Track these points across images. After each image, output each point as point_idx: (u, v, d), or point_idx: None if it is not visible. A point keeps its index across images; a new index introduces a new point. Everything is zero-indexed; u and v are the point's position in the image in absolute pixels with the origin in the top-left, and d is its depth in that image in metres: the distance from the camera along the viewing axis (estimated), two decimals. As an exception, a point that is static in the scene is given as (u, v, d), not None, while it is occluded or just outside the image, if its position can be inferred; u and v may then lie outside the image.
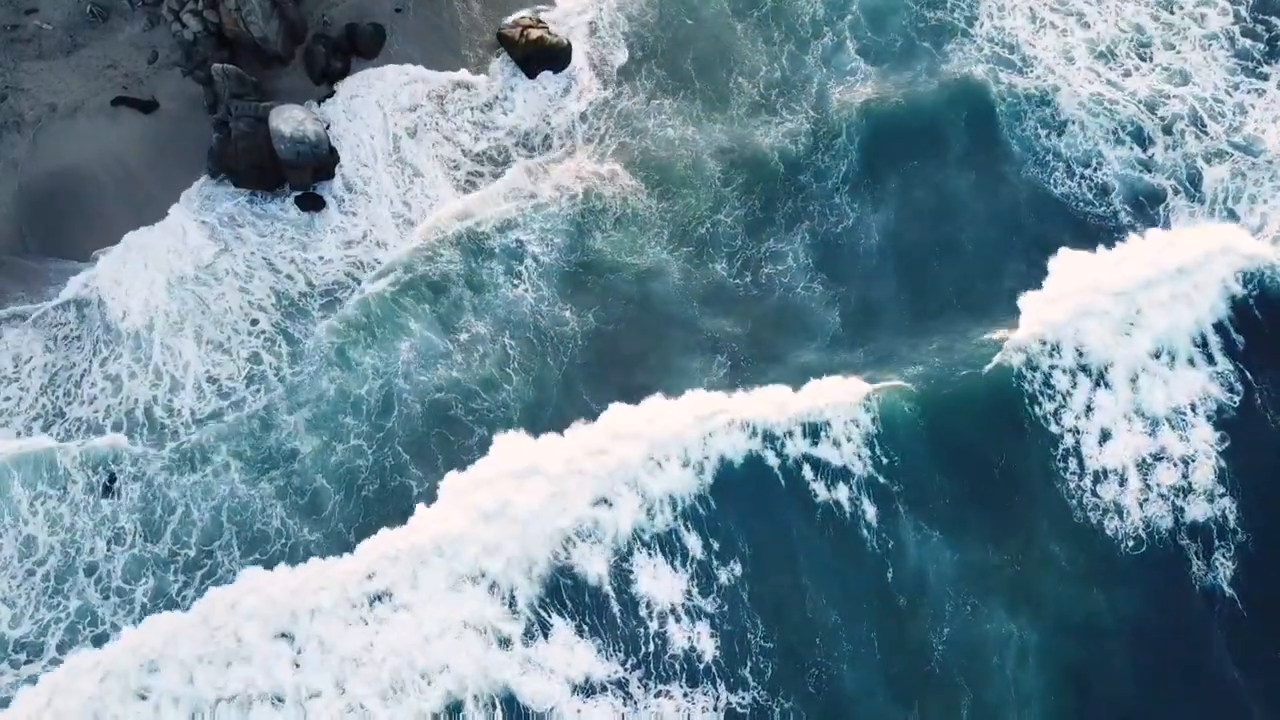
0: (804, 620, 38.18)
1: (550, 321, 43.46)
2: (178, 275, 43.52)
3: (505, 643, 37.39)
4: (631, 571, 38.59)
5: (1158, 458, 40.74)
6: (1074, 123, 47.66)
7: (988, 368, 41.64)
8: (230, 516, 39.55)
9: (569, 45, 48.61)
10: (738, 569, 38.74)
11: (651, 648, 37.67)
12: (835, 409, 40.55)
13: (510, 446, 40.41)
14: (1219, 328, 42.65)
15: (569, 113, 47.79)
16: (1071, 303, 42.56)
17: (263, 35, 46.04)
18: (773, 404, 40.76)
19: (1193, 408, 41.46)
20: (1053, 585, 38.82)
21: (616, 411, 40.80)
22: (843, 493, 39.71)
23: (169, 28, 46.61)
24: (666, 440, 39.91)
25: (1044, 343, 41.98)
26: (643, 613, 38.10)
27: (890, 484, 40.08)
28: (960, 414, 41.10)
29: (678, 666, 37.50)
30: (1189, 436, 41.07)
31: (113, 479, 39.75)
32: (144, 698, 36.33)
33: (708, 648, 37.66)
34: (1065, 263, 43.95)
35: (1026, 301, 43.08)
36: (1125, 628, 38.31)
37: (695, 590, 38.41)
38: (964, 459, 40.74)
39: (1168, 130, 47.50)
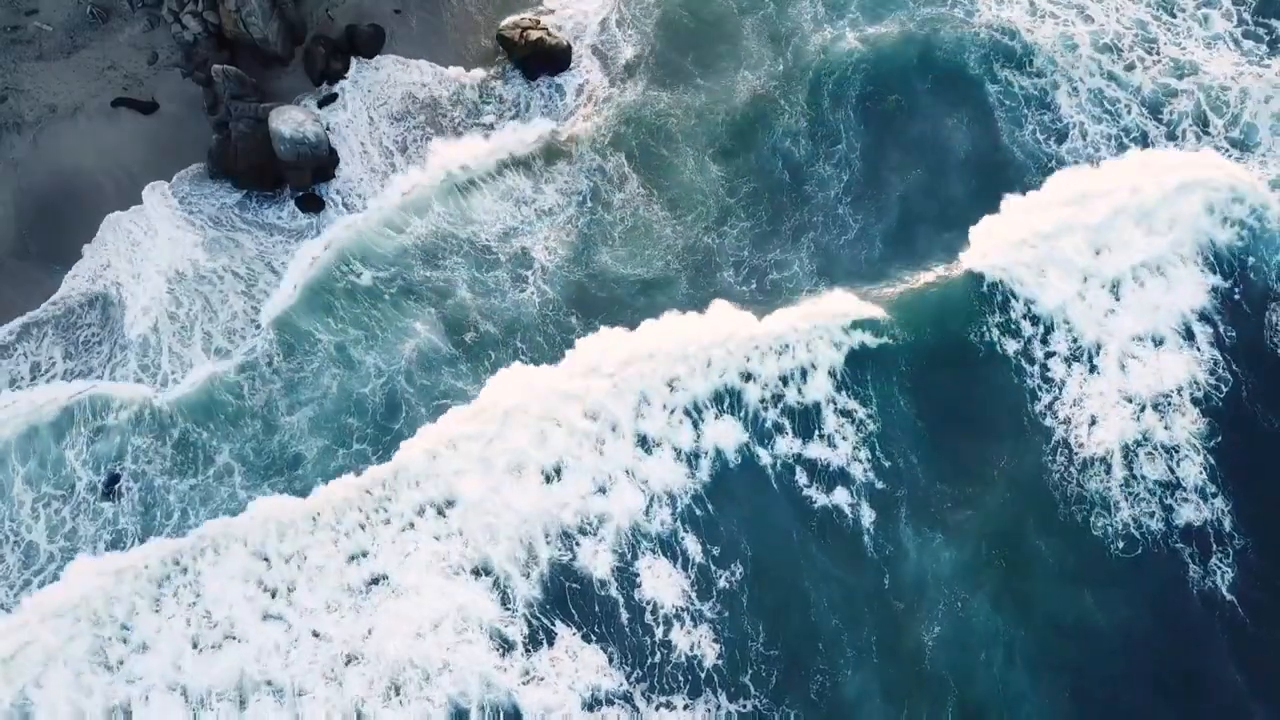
0: (803, 621, 38.48)
1: (556, 329, 43.45)
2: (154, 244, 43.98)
3: (507, 648, 37.56)
4: (629, 570, 38.86)
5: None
6: (1074, 127, 47.67)
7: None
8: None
9: (568, 46, 48.49)
10: (735, 565, 39.08)
11: (656, 656, 37.84)
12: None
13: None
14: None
15: (569, 114, 47.66)
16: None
17: (262, 36, 45.98)
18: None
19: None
20: (1042, 577, 39.20)
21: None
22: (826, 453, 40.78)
23: (169, 29, 46.56)
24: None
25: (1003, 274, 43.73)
26: (644, 615, 38.30)
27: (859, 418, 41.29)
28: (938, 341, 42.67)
29: (680, 675, 37.65)
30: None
31: (114, 480, 39.77)
32: (132, 682, 36.64)
33: (708, 651, 37.88)
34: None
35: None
36: (1118, 625, 38.49)
37: (689, 581, 38.75)
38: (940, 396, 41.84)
39: (1171, 136, 47.50)
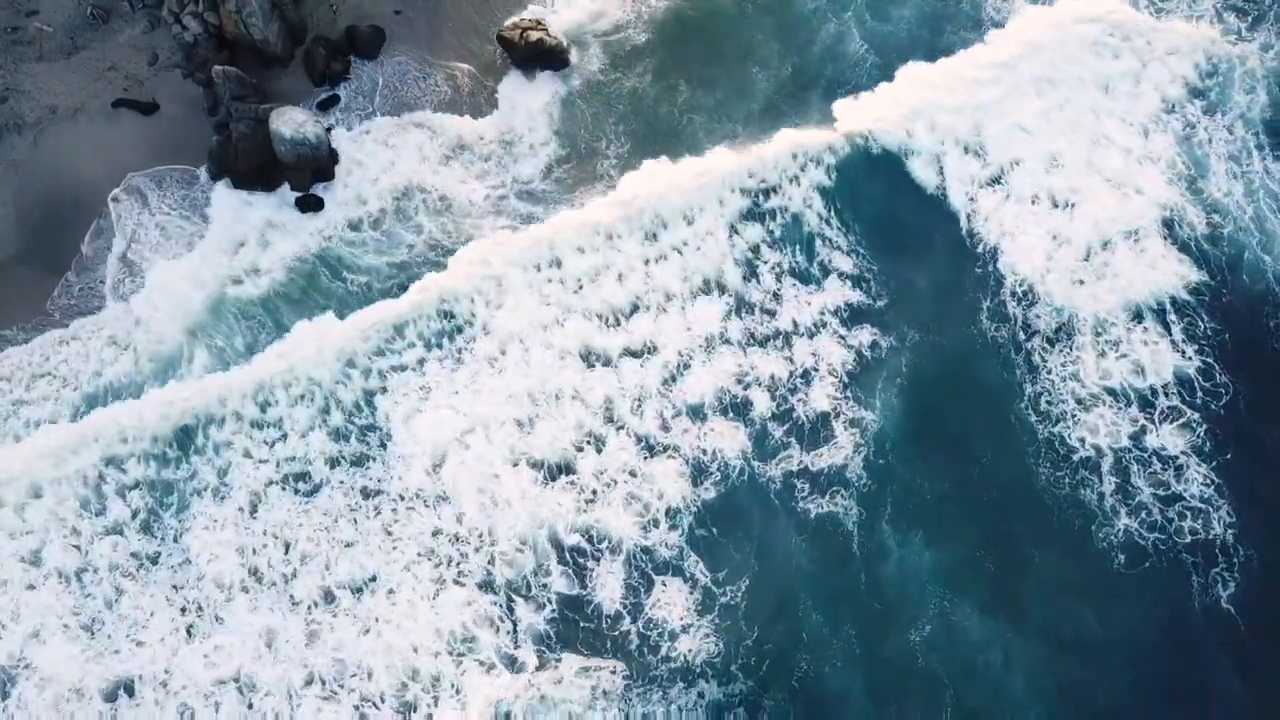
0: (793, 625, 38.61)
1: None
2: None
3: (511, 664, 37.78)
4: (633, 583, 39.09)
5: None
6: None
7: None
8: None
9: (568, 47, 48.42)
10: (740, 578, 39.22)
11: (645, 649, 38.04)
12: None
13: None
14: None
15: (571, 116, 47.52)
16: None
17: (263, 37, 46.05)
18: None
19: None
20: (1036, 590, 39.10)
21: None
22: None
23: (169, 30, 46.64)
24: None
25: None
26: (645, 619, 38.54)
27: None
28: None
29: (669, 667, 37.83)
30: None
31: None
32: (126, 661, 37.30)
33: (701, 647, 38.06)
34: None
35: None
36: (1119, 635, 38.40)
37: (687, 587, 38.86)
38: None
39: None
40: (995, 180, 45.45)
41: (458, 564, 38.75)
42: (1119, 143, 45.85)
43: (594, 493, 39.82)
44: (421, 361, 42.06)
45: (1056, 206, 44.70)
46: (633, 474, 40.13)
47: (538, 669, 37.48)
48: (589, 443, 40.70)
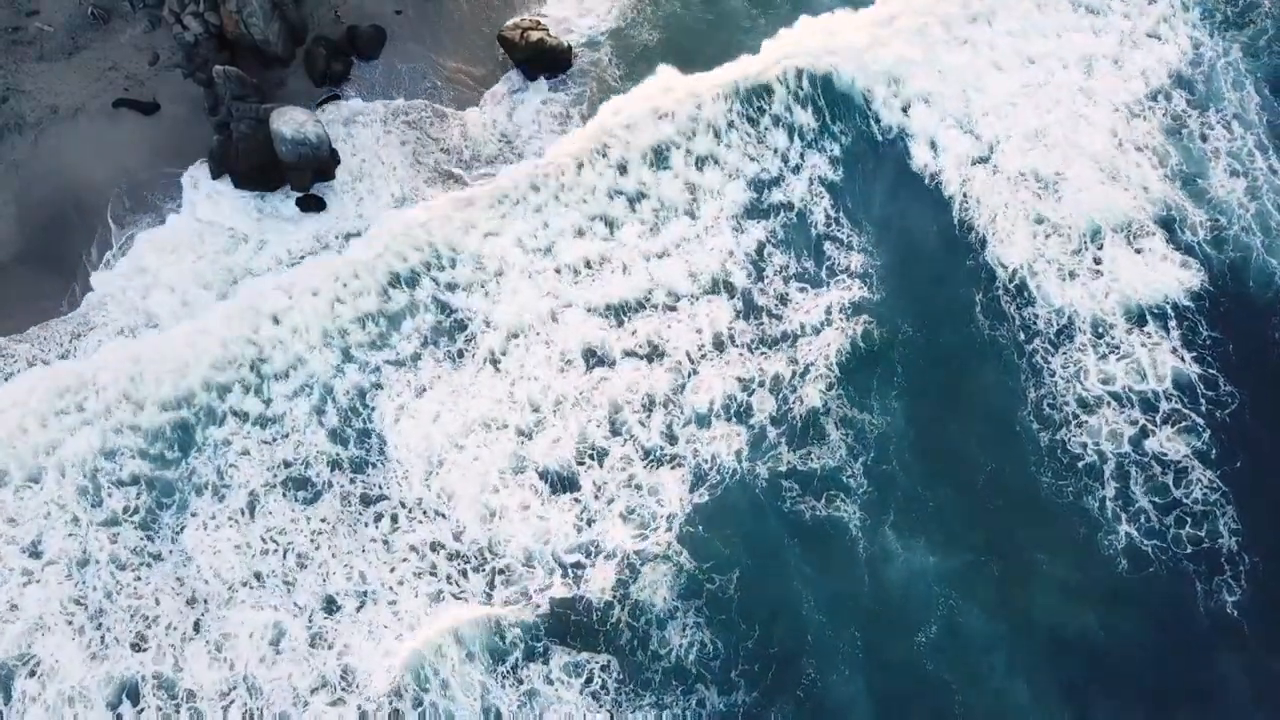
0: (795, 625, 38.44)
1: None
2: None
3: (500, 658, 37.72)
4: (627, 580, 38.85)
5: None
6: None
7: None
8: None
9: (569, 47, 48.33)
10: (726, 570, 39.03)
11: (639, 648, 37.89)
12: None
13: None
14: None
15: (573, 120, 47.30)
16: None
17: (264, 37, 46.04)
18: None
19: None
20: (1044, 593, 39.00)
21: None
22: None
23: (170, 30, 46.58)
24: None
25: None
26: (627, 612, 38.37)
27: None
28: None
29: (664, 669, 37.69)
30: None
31: None
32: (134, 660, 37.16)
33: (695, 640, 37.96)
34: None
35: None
36: (1122, 640, 38.28)
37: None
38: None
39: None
40: (984, 160, 45.45)
41: (456, 580, 38.50)
42: (1104, 126, 45.99)
43: (595, 512, 39.49)
44: (417, 357, 41.94)
45: (1046, 188, 44.60)
46: (637, 487, 39.86)
47: (525, 659, 37.40)
48: (591, 455, 40.40)
